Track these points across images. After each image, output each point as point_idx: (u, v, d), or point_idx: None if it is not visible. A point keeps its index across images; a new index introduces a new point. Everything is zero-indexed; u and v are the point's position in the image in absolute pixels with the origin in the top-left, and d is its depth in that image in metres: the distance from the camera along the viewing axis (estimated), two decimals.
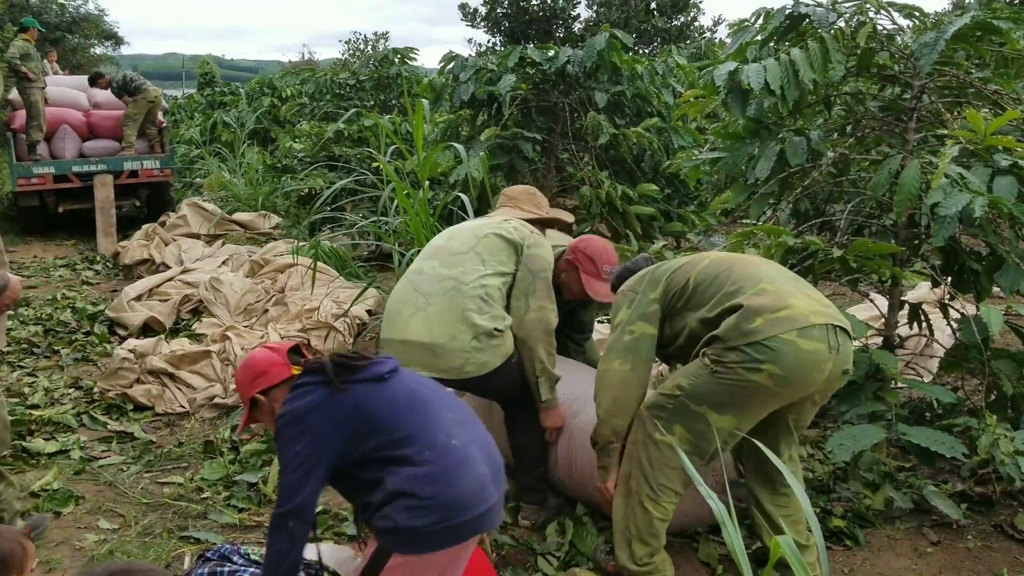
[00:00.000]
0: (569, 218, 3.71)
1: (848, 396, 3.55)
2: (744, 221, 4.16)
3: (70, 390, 5.26)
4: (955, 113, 3.88)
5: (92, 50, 29.95)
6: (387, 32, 27.11)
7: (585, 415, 3.27)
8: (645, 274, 2.96)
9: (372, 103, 11.30)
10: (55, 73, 13.80)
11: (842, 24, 3.73)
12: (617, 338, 2.87)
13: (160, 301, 6.66)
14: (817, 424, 4.13)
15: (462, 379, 3.15)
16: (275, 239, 8.64)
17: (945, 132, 3.54)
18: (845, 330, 2.63)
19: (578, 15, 19.85)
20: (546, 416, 3.34)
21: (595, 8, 19.52)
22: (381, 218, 5.85)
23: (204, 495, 3.88)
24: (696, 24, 20.52)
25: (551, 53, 6.67)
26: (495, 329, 3.13)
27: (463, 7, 19.98)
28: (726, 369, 2.57)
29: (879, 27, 3.78)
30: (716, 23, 21.35)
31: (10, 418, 4.44)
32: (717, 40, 15.70)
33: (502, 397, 3.35)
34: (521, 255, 3.25)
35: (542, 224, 3.59)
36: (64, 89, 11.15)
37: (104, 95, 11.04)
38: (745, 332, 2.54)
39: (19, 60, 9.75)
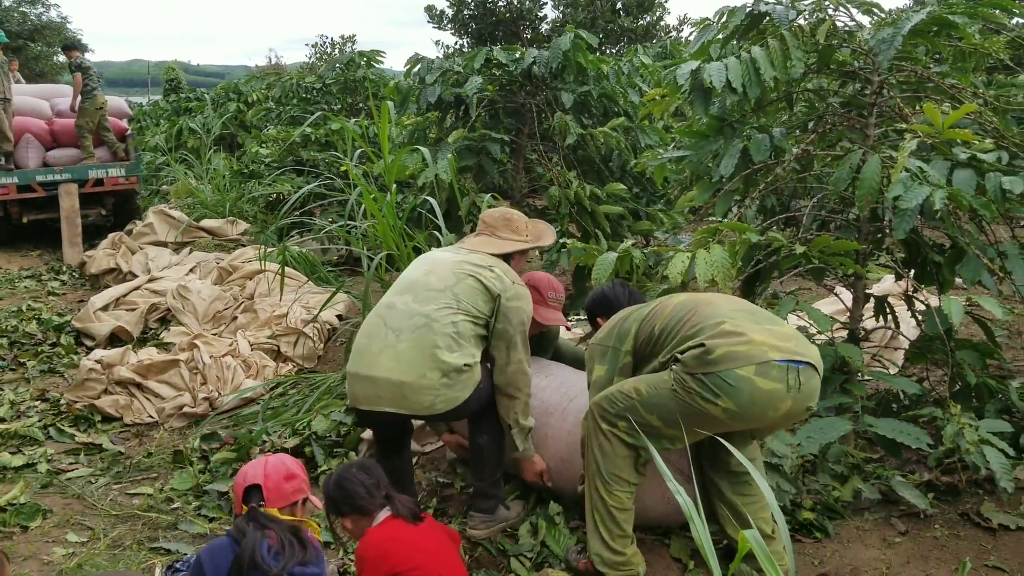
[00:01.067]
0: (549, 240, 3.67)
1: None
2: (710, 219, 4.18)
3: (37, 402, 5.20)
4: (914, 108, 3.93)
5: (55, 58, 29.59)
6: (354, 35, 27.06)
7: (581, 400, 3.28)
8: (615, 326, 3.02)
9: (339, 107, 11.24)
10: (16, 82, 13.60)
11: (802, 21, 3.77)
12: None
13: (127, 310, 6.60)
14: None
15: (432, 415, 3.16)
16: (243, 245, 8.57)
17: (905, 127, 3.58)
18: (813, 366, 2.66)
19: (545, 16, 19.90)
20: (525, 467, 3.36)
21: (561, 9, 19.56)
22: (349, 222, 5.82)
23: (174, 505, 3.85)
24: (662, 23, 20.66)
25: (517, 54, 6.65)
26: (464, 365, 3.11)
27: (429, 9, 19.96)
28: (685, 392, 2.64)
29: (838, 24, 3.81)
30: (681, 22, 21.52)
31: None
32: (683, 39, 15.78)
33: (472, 415, 3.33)
34: (499, 305, 3.21)
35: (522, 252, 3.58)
36: (26, 98, 10.98)
37: (69, 104, 10.89)
38: (705, 362, 2.60)
39: None
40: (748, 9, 3.76)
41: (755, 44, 3.70)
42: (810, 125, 4.11)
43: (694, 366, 2.62)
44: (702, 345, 2.63)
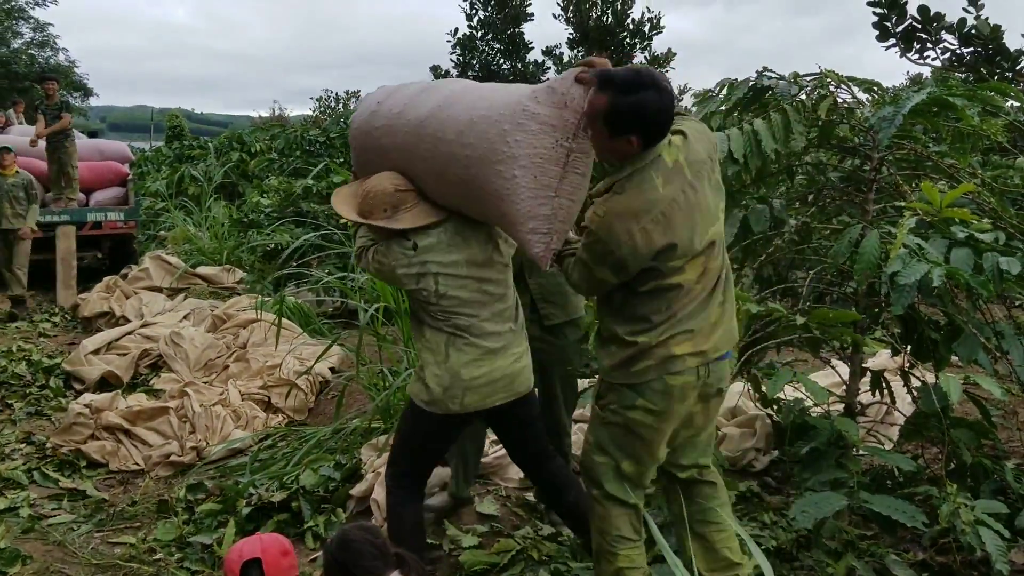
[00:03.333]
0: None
1: (810, 463, 3.56)
2: None
3: (22, 445, 5.13)
4: (913, 185, 3.99)
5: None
6: (358, 91, 27.34)
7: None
8: None
9: (342, 160, 11.35)
10: (19, 123, 13.72)
11: (803, 97, 3.84)
12: None
13: (119, 355, 6.56)
14: (780, 491, 4.13)
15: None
16: (239, 294, 8.56)
17: (903, 204, 3.63)
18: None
19: (547, 79, 20.34)
20: None
21: None
22: (348, 274, 5.83)
23: (156, 556, 3.78)
24: None
25: None
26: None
27: (435, 69, 20.31)
28: (611, 412, 2.69)
29: (839, 100, 3.88)
30: (681, 92, 21.82)
31: None
32: (682, 108, 16.02)
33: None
34: None
35: None
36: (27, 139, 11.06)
37: (78, 145, 10.93)
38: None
39: None
40: (751, 83, 3.84)
41: (757, 117, 3.76)
42: (810, 198, 4.16)
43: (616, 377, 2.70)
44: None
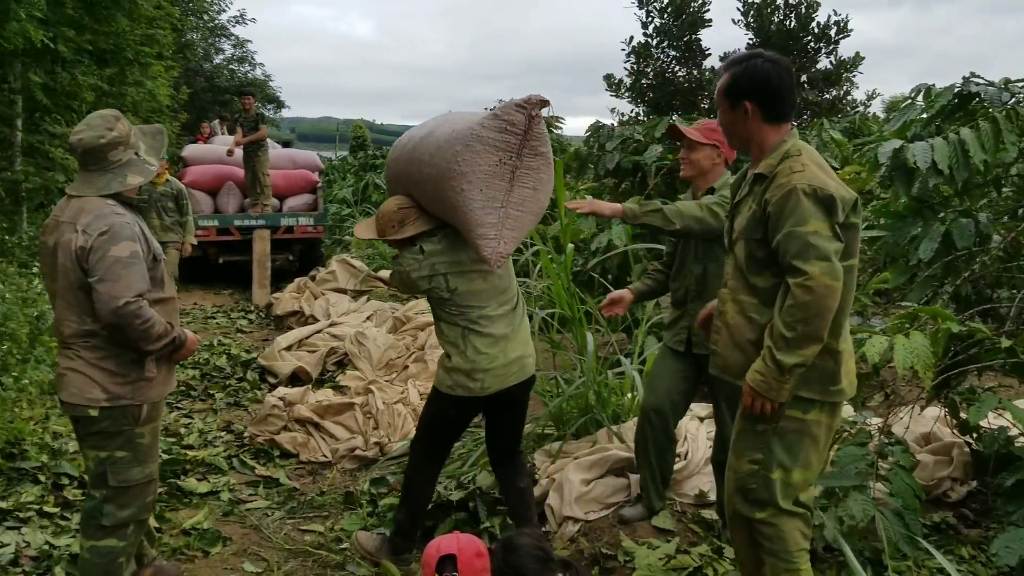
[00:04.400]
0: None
1: (1016, 496, 3.32)
2: (902, 304, 3.99)
3: (222, 433, 5.53)
4: None
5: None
6: None
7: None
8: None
9: None
10: (222, 134, 14.83)
11: (1015, 104, 3.58)
12: None
13: (308, 352, 6.95)
14: (978, 524, 3.86)
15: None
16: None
17: None
18: None
19: None
20: None
21: None
22: (525, 280, 5.93)
23: (343, 546, 3.97)
24: (849, 98, 20.03)
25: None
26: None
27: (608, 78, 20.28)
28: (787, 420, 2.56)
29: None
30: (870, 97, 20.71)
31: (166, 456, 4.73)
32: (871, 114, 15.22)
33: None
34: None
35: None
36: (235, 150, 11.93)
37: (272, 155, 11.67)
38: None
39: None
40: (957, 89, 3.62)
41: (962, 125, 3.54)
42: (1020, 212, 3.87)
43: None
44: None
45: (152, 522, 3.97)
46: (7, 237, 9.66)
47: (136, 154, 3.11)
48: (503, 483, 3.84)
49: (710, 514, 3.88)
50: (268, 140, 11.56)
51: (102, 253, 2.86)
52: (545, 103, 3.20)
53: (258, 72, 31.86)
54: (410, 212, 3.50)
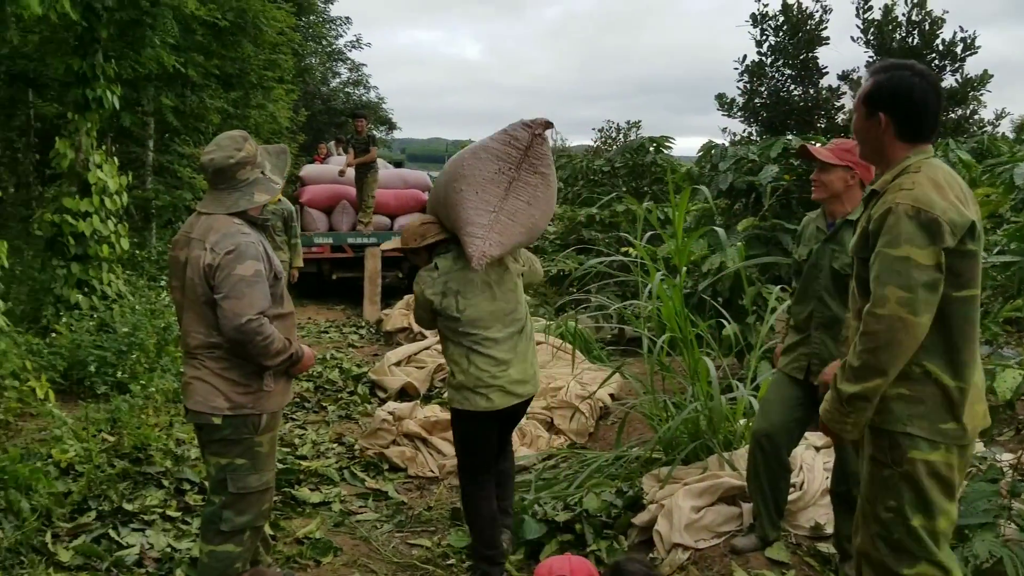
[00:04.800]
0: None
1: None
2: None
3: (334, 445, 5.65)
4: None
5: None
6: (639, 121, 27.49)
7: None
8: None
9: (625, 189, 11.48)
10: (338, 155, 15.29)
11: None
12: None
13: (417, 368, 7.05)
14: None
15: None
16: None
17: None
18: None
19: (842, 105, 19.21)
20: None
21: None
22: (633, 302, 5.86)
23: (449, 561, 3.99)
24: (975, 117, 19.11)
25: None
26: None
27: (720, 97, 19.98)
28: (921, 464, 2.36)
29: None
30: (999, 117, 19.67)
31: (281, 466, 4.86)
32: (999, 135, 14.47)
33: None
34: None
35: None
36: (348, 170, 12.30)
37: (380, 176, 12.00)
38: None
39: None
40: None
41: None
42: None
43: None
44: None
45: (267, 530, 4.09)
46: (137, 252, 10.17)
47: (262, 173, 3.23)
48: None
49: (827, 547, 3.73)
50: (379, 160, 11.84)
51: (228, 271, 2.98)
52: (549, 125, 3.50)
53: (372, 95, 32.72)
54: (431, 227, 3.73)
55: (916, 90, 2.38)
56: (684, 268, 5.21)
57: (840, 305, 3.34)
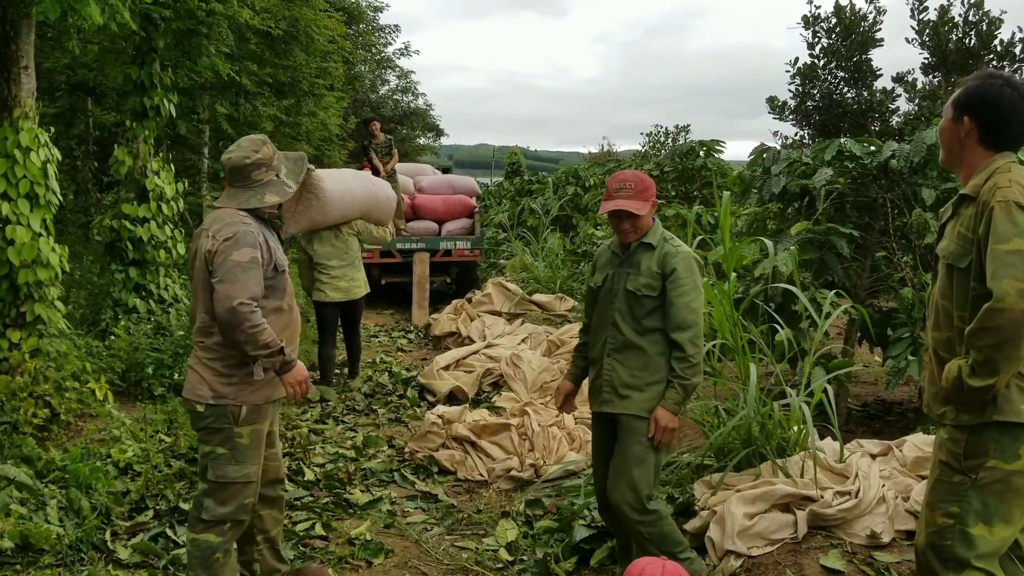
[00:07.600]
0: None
1: None
2: None
3: (384, 447, 5.69)
4: None
5: (417, 140, 33.09)
6: (688, 125, 27.30)
7: None
8: None
9: (674, 194, 11.40)
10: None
11: None
12: None
13: (465, 372, 7.07)
14: None
15: None
16: (570, 321, 8.88)
17: None
18: None
19: (897, 108, 18.79)
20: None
21: (916, 101, 18.39)
22: None
23: (499, 565, 3.99)
24: None
25: (873, 147, 6.36)
26: None
27: (771, 100, 19.68)
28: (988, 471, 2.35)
29: None
30: None
31: (331, 466, 4.91)
32: None
33: None
34: None
35: None
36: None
37: (429, 181, 12.09)
38: None
39: None
40: None
41: None
42: None
43: None
44: None
45: (319, 530, 4.13)
46: None
47: (277, 175, 3.37)
48: None
49: (883, 556, 3.66)
50: (426, 166, 11.91)
51: (224, 257, 3.12)
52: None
53: (420, 101, 33.00)
54: None
55: (1005, 99, 2.40)
56: (734, 273, 5.15)
57: (632, 330, 3.35)
